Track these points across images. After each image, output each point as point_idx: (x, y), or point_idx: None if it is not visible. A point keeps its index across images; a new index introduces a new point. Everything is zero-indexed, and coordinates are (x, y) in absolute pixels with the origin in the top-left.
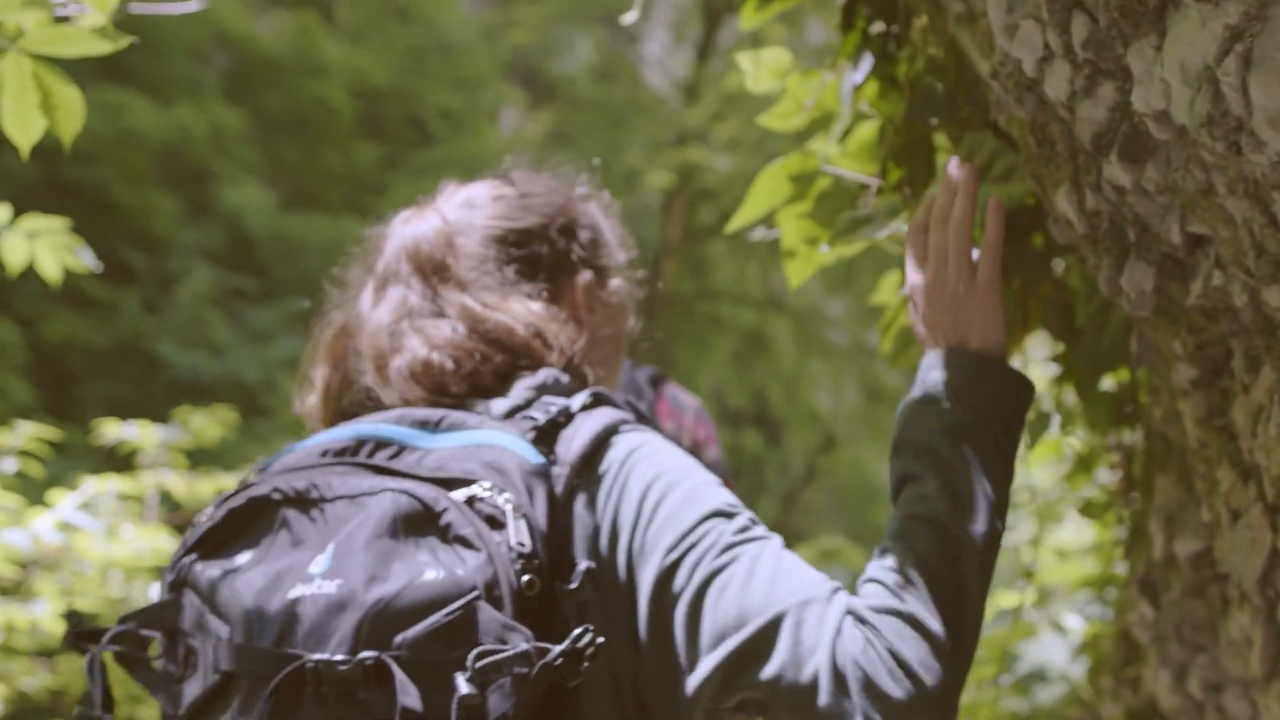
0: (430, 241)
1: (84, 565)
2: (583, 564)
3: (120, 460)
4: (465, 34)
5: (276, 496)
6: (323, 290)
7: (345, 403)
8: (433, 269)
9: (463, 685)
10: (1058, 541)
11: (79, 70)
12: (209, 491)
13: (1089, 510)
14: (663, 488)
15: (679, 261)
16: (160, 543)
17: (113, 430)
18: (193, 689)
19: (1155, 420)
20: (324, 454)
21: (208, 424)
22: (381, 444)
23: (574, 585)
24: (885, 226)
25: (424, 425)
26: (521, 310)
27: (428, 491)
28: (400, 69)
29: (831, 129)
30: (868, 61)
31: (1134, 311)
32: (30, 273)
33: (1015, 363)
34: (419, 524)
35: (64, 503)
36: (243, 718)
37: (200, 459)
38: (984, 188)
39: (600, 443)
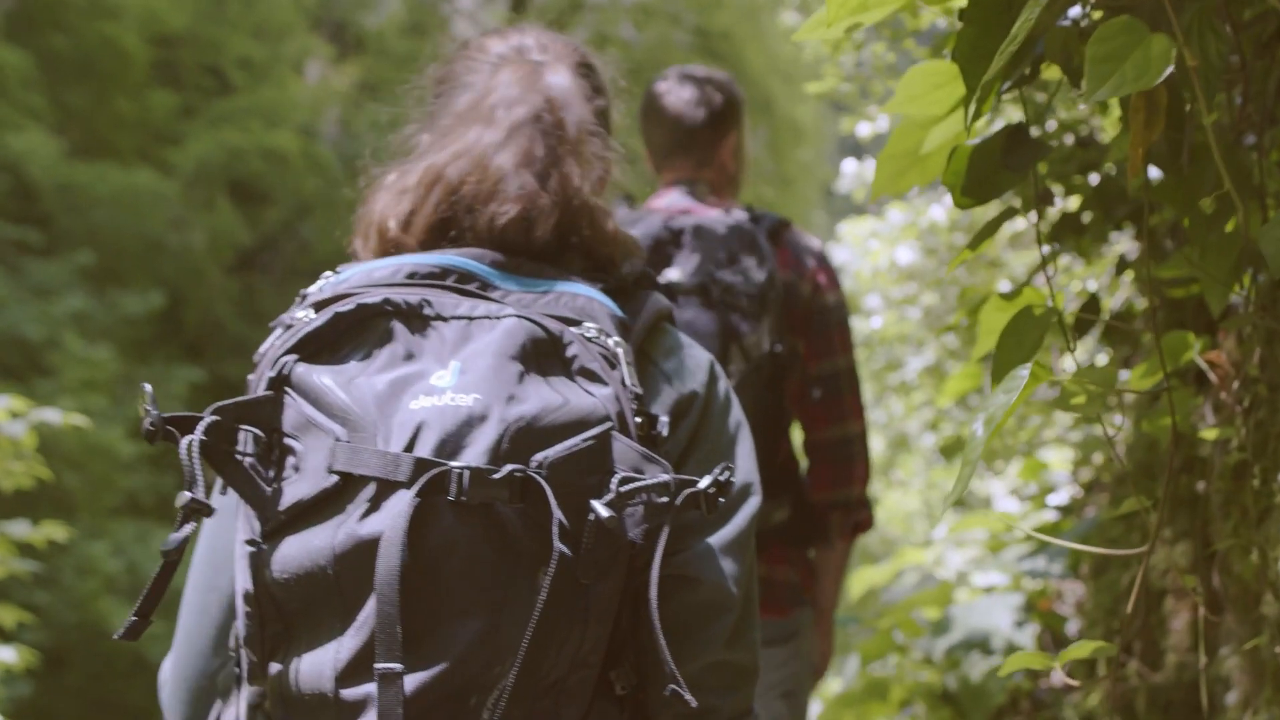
0: (565, 104)
1: None
2: (664, 416)
3: None
4: None
5: (389, 308)
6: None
7: (426, 232)
8: (560, 134)
9: (601, 509)
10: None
11: None
12: None
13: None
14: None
15: None
16: None
17: None
18: (298, 489)
19: None
20: (410, 276)
21: None
22: (465, 277)
23: (665, 434)
24: None
25: (503, 267)
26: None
27: (551, 323)
28: (198, 14)
29: None
30: None
31: None
32: None
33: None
34: (545, 353)
35: None
36: (365, 521)
37: None
38: None
39: (660, 318)
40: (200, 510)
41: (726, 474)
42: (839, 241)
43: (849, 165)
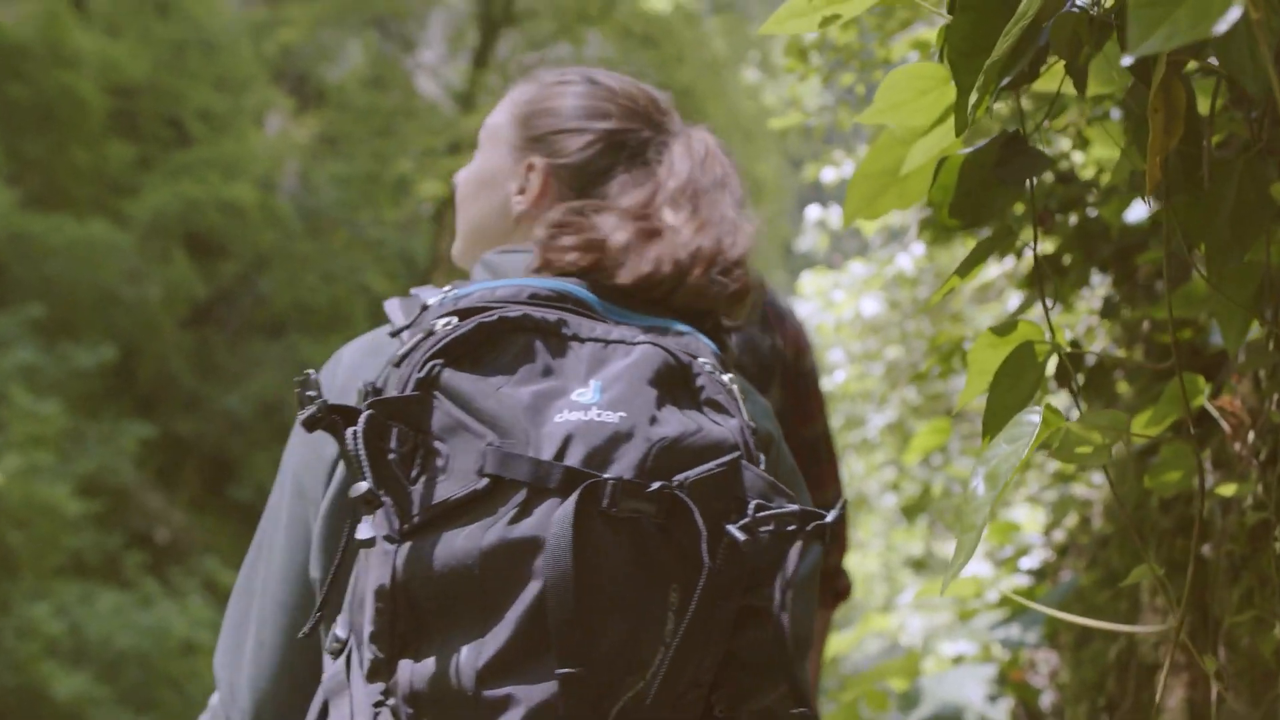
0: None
1: None
2: (760, 455)
3: None
4: (230, 32)
5: (528, 324)
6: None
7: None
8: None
9: (737, 532)
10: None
11: None
12: None
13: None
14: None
15: (448, 274)
16: None
17: None
18: (444, 489)
19: None
20: (531, 297)
21: None
22: (579, 303)
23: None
24: None
25: (610, 298)
26: None
27: (681, 354)
28: (158, 65)
29: None
30: None
31: None
32: None
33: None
34: (676, 381)
35: None
36: (515, 525)
37: None
38: None
39: (732, 362)
40: (374, 501)
41: (844, 508)
42: (800, 295)
43: (812, 211)
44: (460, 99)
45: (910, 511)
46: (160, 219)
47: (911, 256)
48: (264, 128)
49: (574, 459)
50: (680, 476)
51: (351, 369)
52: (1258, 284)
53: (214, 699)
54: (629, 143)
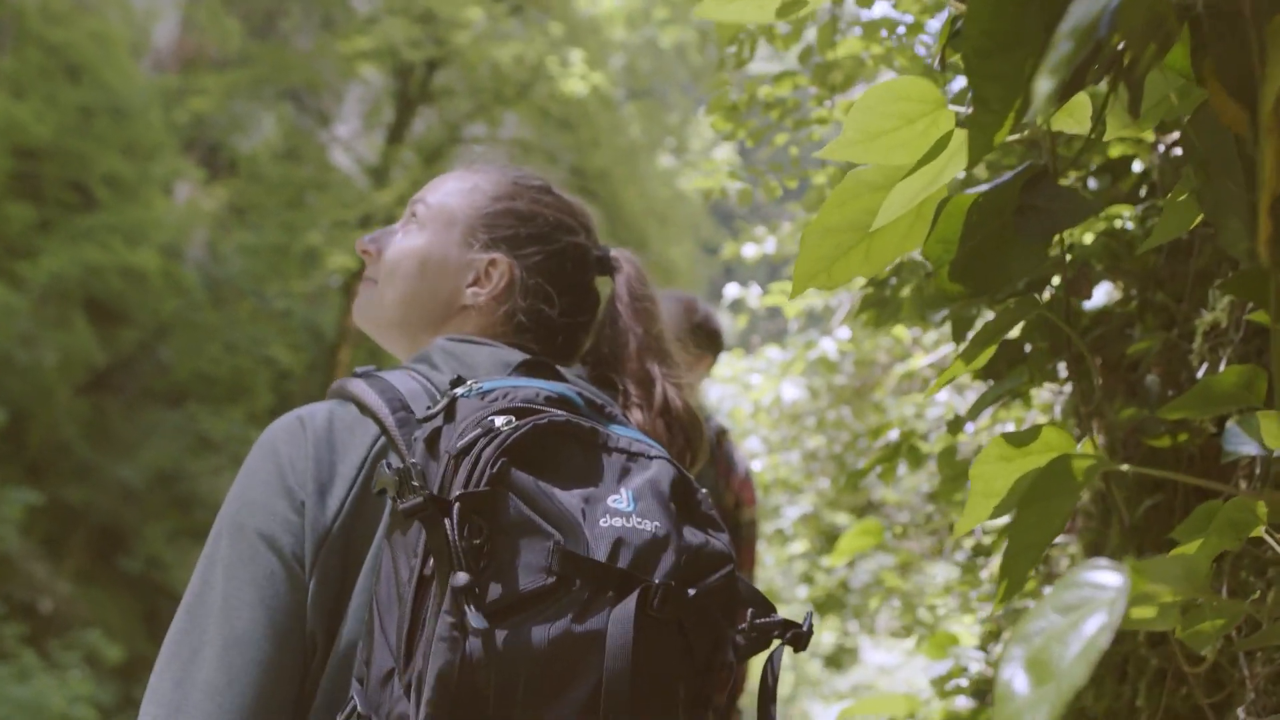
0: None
1: None
2: None
3: None
4: (141, 99)
5: (570, 429)
6: None
7: (518, 332)
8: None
9: (738, 636)
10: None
11: None
12: None
13: None
14: None
15: (356, 347)
16: None
17: None
18: (512, 583)
19: None
20: (546, 400)
21: None
22: (575, 408)
23: None
24: None
25: (592, 405)
26: None
27: (683, 470)
28: (64, 128)
29: None
30: None
31: None
32: None
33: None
34: (684, 494)
35: None
36: (579, 622)
37: None
38: None
39: None
40: (470, 593)
41: (811, 622)
42: (715, 378)
43: (730, 290)
44: (373, 173)
45: (824, 607)
46: (59, 283)
47: (834, 340)
48: (172, 196)
49: (624, 562)
50: (701, 585)
51: (326, 445)
52: None
53: None
54: (585, 259)
